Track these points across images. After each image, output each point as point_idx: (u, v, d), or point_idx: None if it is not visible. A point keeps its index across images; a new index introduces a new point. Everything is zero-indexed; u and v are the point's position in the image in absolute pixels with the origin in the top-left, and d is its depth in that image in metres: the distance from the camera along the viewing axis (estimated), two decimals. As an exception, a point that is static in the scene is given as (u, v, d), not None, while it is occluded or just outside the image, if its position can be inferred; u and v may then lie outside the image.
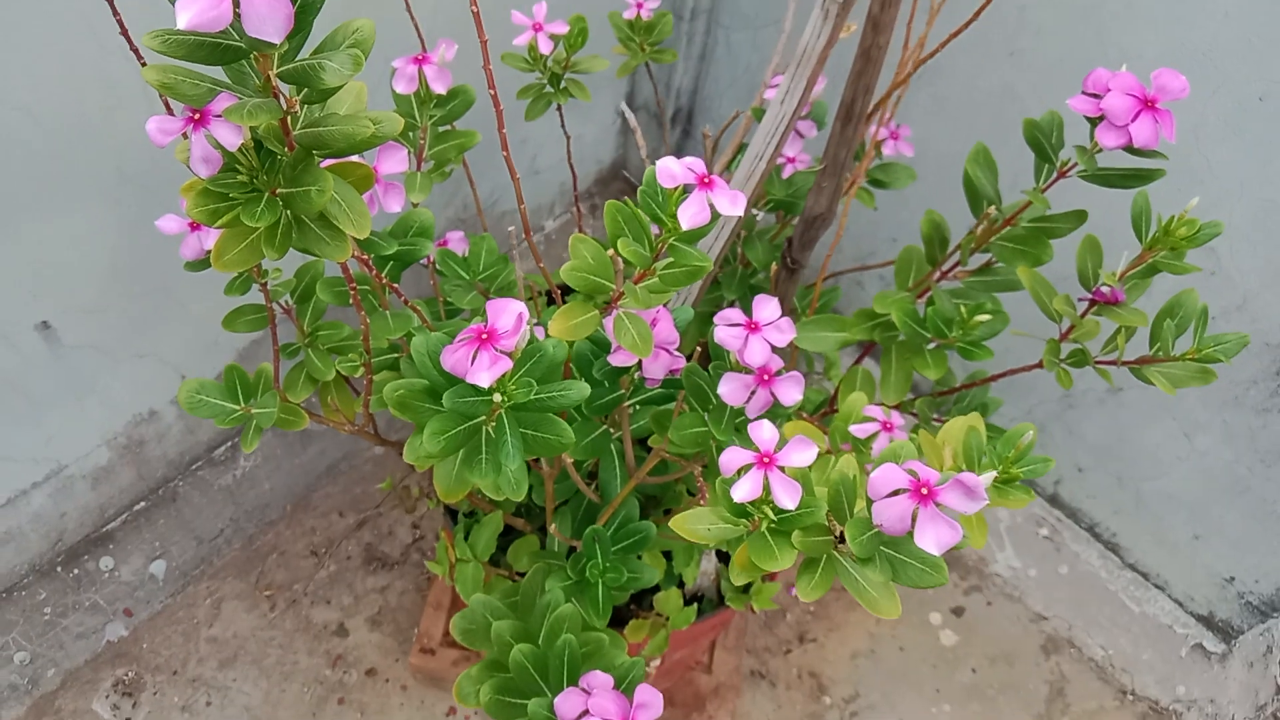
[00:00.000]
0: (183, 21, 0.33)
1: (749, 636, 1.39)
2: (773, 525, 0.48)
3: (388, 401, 0.61)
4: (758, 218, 0.90)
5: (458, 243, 0.89)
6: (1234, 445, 1.24)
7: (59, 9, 0.84)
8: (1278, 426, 1.18)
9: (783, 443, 0.47)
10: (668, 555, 0.94)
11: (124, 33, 0.53)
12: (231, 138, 0.40)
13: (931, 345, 0.75)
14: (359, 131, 0.43)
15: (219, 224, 0.42)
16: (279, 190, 0.43)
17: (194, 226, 0.65)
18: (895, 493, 0.43)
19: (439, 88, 0.68)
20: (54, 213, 0.97)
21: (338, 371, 0.73)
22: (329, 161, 0.46)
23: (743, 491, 0.47)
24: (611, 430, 0.79)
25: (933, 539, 0.42)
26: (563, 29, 0.74)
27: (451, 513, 0.99)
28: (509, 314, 0.49)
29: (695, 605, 0.91)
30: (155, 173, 1.02)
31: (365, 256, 0.63)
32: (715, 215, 0.51)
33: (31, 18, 0.83)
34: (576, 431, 0.76)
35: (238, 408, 0.67)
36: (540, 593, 0.75)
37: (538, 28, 0.74)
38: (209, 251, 0.66)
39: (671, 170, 0.50)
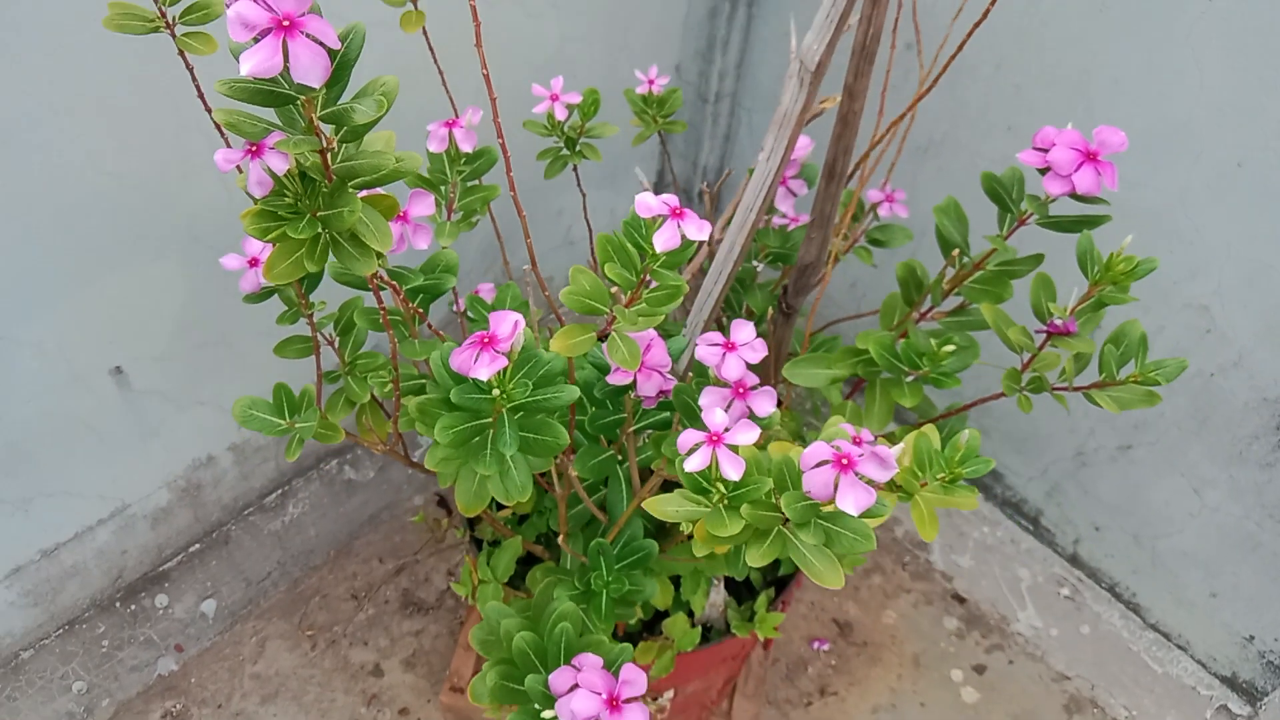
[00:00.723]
0: (245, 69, 0.44)
1: (771, 688, 1.44)
2: (726, 500, 0.56)
3: (411, 413, 0.70)
4: (758, 268, 0.99)
5: (487, 293, 0.99)
6: (1242, 501, 1.28)
7: (148, 87, 0.98)
8: (1282, 481, 1.22)
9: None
10: (676, 584, 1.01)
11: (200, 95, 0.65)
12: (280, 165, 0.50)
13: (910, 378, 0.83)
14: (385, 164, 0.53)
15: (269, 238, 0.53)
16: (319, 213, 0.54)
17: (252, 263, 0.76)
18: (821, 464, 0.51)
19: (466, 147, 0.79)
20: (132, 267, 1.10)
21: (372, 395, 0.83)
22: (363, 193, 0.57)
23: (694, 463, 0.55)
24: (619, 457, 0.88)
25: (851, 501, 0.50)
26: (576, 99, 0.86)
27: (477, 543, 1.08)
28: (506, 322, 0.59)
29: (700, 629, 0.98)
30: (222, 236, 1.15)
31: (398, 287, 0.73)
32: (687, 241, 0.61)
33: (124, 93, 0.97)
34: (585, 454, 0.85)
35: (283, 422, 0.77)
36: (550, 601, 0.83)
37: (555, 98, 0.85)
38: (264, 287, 0.78)
39: (648, 203, 0.60)
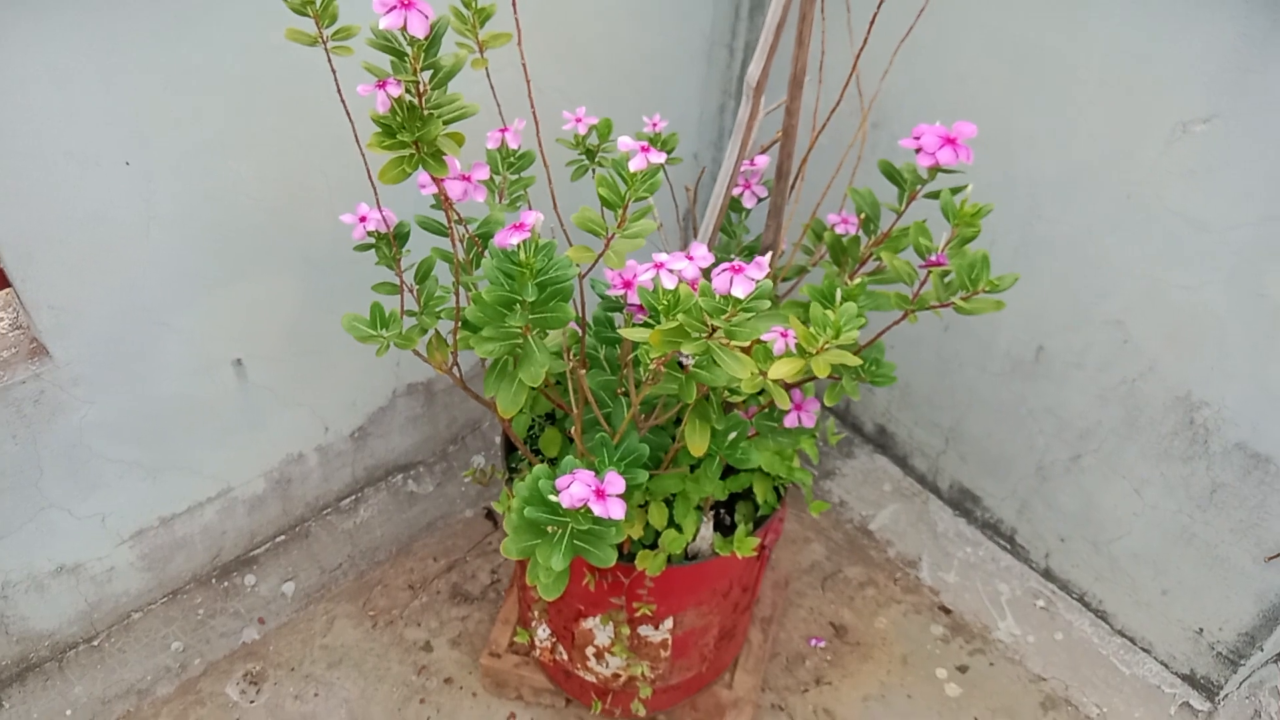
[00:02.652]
0: (383, 24, 0.81)
1: (771, 676, 1.67)
2: (669, 310, 0.87)
3: (468, 315, 1.04)
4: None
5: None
6: (1174, 495, 1.52)
7: (287, 134, 1.38)
8: (1202, 472, 1.48)
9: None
10: (671, 511, 1.29)
11: (338, 89, 1.03)
12: (395, 91, 0.86)
13: (838, 318, 1.14)
14: (457, 100, 0.89)
15: (385, 146, 0.88)
16: (416, 132, 0.89)
17: (361, 219, 1.12)
18: (724, 271, 0.83)
19: (514, 144, 1.16)
20: (258, 276, 1.47)
21: (437, 331, 1.17)
22: (445, 131, 0.93)
23: (645, 278, 0.87)
24: (622, 386, 1.19)
25: (740, 289, 0.81)
26: (595, 121, 1.23)
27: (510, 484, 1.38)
28: (530, 215, 0.93)
29: (685, 541, 1.26)
30: (330, 256, 1.52)
31: (468, 227, 1.09)
32: (652, 167, 0.95)
33: (268, 135, 1.37)
34: (595, 374, 1.17)
35: (374, 331, 1.11)
36: (563, 479, 1.12)
37: (579, 120, 1.22)
38: (366, 238, 1.13)
39: (627, 140, 0.95)
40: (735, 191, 1.29)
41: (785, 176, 1.20)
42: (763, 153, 1.30)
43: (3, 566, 1.45)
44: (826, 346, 0.96)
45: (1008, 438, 1.73)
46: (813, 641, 1.72)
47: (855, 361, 0.97)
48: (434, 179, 0.96)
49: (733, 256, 1.35)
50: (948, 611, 1.78)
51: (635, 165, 0.94)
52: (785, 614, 1.76)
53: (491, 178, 1.19)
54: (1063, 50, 1.40)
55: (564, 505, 0.95)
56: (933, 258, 1.08)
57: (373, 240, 1.14)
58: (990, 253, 1.52)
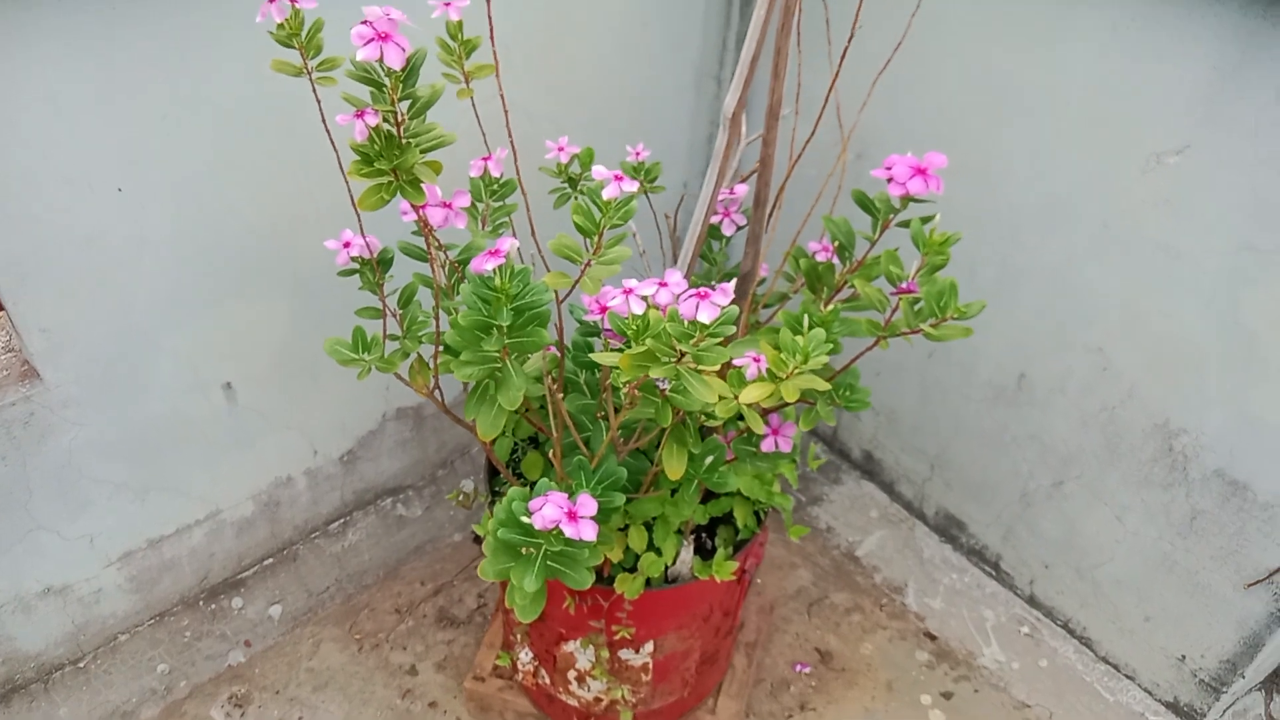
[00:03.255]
0: (360, 56, 0.84)
1: (755, 702, 1.68)
2: (638, 335, 0.90)
3: (447, 339, 1.06)
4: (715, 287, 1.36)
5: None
6: (1155, 522, 1.54)
7: (279, 162, 1.41)
8: (1182, 499, 1.49)
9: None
10: (650, 537, 1.31)
11: (321, 116, 1.06)
12: (372, 120, 0.89)
13: (814, 344, 1.16)
14: (434, 129, 0.92)
15: (364, 174, 0.91)
16: (394, 160, 0.92)
17: (345, 244, 1.15)
18: (690, 297, 0.85)
19: (496, 173, 1.19)
20: (249, 300, 1.50)
21: (419, 355, 1.19)
22: (422, 159, 0.96)
23: (615, 303, 0.90)
24: (601, 411, 1.21)
25: (705, 314, 0.84)
26: (577, 150, 1.26)
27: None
28: (505, 241, 0.96)
29: (664, 565, 1.28)
30: (319, 281, 1.55)
31: (448, 253, 1.11)
32: (625, 195, 0.97)
33: (261, 164, 1.40)
34: (574, 397, 1.19)
35: (356, 355, 1.13)
36: (541, 501, 1.14)
37: (561, 149, 1.25)
38: (349, 264, 1.16)
39: (601, 170, 0.98)
40: (714, 219, 1.32)
41: (763, 205, 1.23)
42: (742, 182, 1.33)
43: (-9, 587, 1.47)
44: (796, 371, 0.99)
45: (992, 464, 1.74)
46: (798, 667, 1.73)
47: (824, 386, 0.99)
48: (413, 206, 0.98)
49: (713, 283, 1.38)
50: (933, 638, 1.79)
51: (609, 193, 0.97)
52: (770, 639, 1.77)
53: (474, 205, 1.22)
54: (1040, 82, 1.43)
55: (537, 527, 0.97)
56: (903, 285, 1.10)
57: (357, 265, 1.17)
58: (971, 281, 1.56)
